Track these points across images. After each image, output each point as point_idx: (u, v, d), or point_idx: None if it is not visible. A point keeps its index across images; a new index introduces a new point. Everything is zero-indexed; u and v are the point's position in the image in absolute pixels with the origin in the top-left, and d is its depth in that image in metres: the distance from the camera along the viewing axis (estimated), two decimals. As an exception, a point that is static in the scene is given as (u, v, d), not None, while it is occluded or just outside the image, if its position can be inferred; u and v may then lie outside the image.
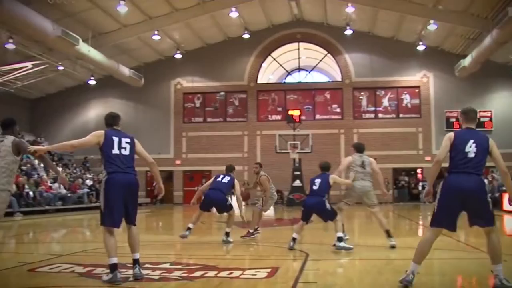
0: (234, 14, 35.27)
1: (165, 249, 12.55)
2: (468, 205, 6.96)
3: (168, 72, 42.52)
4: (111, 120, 8.63)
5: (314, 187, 11.36)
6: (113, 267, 7.43)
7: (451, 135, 7.27)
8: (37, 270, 8.38)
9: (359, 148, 12.16)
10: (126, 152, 8.24)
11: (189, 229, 12.70)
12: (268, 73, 43.83)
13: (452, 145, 7.15)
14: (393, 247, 11.02)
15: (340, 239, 10.82)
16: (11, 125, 8.14)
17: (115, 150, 8.17)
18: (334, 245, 10.93)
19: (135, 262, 7.81)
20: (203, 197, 13.37)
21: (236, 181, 13.32)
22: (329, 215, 11.28)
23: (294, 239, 11.08)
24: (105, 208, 7.82)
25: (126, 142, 8.27)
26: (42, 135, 41.39)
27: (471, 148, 7.05)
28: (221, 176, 13.28)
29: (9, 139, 7.88)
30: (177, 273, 8.28)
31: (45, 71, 33.84)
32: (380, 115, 40.62)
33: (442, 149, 7.23)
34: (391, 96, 40.90)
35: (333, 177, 11.51)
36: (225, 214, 13.34)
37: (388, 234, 11.35)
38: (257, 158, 40.37)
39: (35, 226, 20.59)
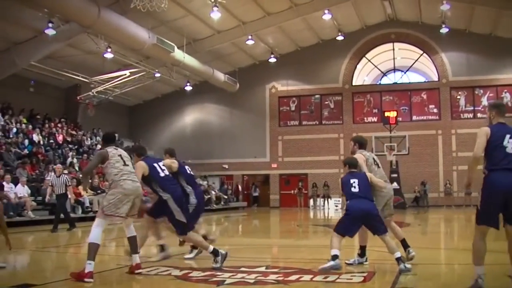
0: (327, 16, 35.00)
1: (261, 252, 12.53)
2: (509, 204, 6.55)
3: (263, 76, 42.68)
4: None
5: (354, 189, 8.88)
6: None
7: (487, 129, 6.83)
8: (135, 272, 8.51)
9: (363, 143, 9.97)
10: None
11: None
12: (363, 75, 43.38)
13: (488, 141, 6.75)
14: (411, 258, 9.06)
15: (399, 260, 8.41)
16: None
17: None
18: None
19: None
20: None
21: None
22: (381, 226, 8.71)
23: (335, 257, 8.24)
24: None
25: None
26: (141, 140, 42.24)
27: (508, 143, 6.69)
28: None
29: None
30: (273, 276, 8.21)
31: (143, 79, 34.54)
32: (479, 115, 39.35)
33: (480, 144, 6.78)
34: (490, 95, 39.61)
35: (369, 175, 9.18)
36: None
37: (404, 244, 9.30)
38: (353, 161, 39.99)
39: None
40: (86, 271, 7.83)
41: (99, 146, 31.24)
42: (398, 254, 8.41)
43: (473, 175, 6.93)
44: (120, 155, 8.69)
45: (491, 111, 7.06)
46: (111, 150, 8.71)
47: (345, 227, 8.62)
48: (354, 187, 8.83)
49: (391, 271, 8.72)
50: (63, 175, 18.49)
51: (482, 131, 6.83)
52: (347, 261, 9.06)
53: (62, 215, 18.44)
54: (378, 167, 9.65)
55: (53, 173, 20.21)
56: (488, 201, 6.62)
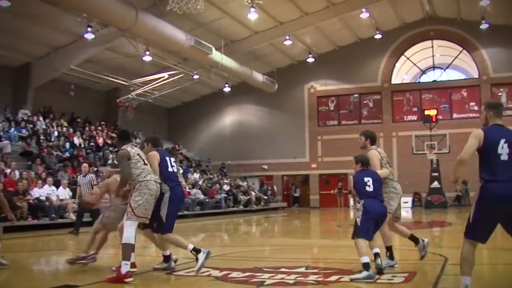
0: (364, 15, 34.76)
1: (301, 252, 12.49)
2: (509, 217, 6.04)
3: (301, 76, 42.60)
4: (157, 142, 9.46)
5: (368, 188, 8.56)
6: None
7: (480, 133, 6.20)
8: (175, 274, 8.54)
9: (375, 139, 9.69)
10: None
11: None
12: (402, 73, 43.00)
13: (482, 145, 6.14)
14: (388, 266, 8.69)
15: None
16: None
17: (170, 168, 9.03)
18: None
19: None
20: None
21: None
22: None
23: (367, 265, 7.91)
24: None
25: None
26: (180, 142, 42.53)
27: (503, 149, 6.08)
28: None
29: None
30: (313, 277, 8.20)
31: (181, 81, 34.67)
32: (521, 112, 38.80)
33: (468, 147, 6.16)
34: (532, 91, 39.04)
35: (380, 172, 8.92)
36: None
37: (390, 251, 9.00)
38: (393, 160, 39.77)
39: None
40: (124, 271, 7.88)
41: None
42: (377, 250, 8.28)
43: (460, 174, 6.45)
44: (138, 154, 8.64)
45: (488, 111, 6.43)
46: (130, 149, 8.65)
47: (367, 230, 8.27)
48: (369, 185, 8.53)
49: (432, 271, 8.62)
50: (89, 174, 18.34)
51: (475, 134, 6.25)
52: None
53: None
54: (390, 166, 9.41)
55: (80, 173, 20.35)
56: (482, 214, 6.12)
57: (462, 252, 6.24)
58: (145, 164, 8.57)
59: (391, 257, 8.90)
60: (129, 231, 8.20)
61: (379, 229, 8.58)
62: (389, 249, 8.90)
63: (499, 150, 6.08)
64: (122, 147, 8.73)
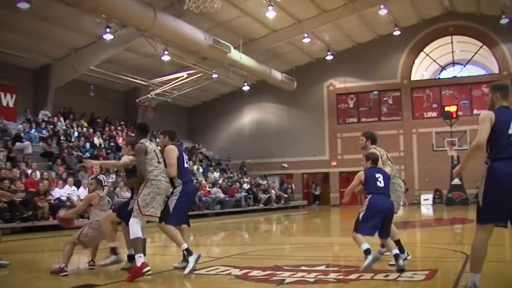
0: (383, 12, 34.59)
1: (321, 251, 12.46)
2: None
3: (320, 74, 42.50)
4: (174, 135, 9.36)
5: (379, 184, 8.61)
6: None
7: (491, 114, 6.10)
8: (196, 272, 8.53)
9: (375, 139, 9.64)
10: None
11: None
12: (422, 70, 42.74)
13: (492, 127, 6.01)
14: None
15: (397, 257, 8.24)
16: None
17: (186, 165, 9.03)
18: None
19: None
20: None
21: None
22: (389, 229, 8.72)
23: (368, 251, 8.08)
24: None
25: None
26: (200, 141, 42.61)
27: None
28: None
29: None
30: (333, 275, 8.17)
31: (200, 80, 34.70)
32: (543, 107, 38.33)
33: (483, 131, 6.01)
34: (555, 86, 38.57)
35: (389, 171, 9.08)
36: None
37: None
38: (414, 157, 39.72)
39: (194, 229, 21.10)
40: (139, 264, 7.89)
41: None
42: (396, 251, 8.25)
43: (468, 165, 6.23)
44: (155, 151, 8.57)
45: (494, 93, 6.38)
46: (148, 144, 8.57)
47: (368, 226, 8.28)
48: (380, 181, 8.57)
49: (453, 268, 8.56)
50: (101, 175, 18.34)
51: (486, 115, 6.12)
52: (390, 263, 8.61)
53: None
54: (392, 162, 9.56)
55: (91, 174, 20.42)
56: (493, 194, 5.93)
57: (474, 243, 6.02)
58: (158, 162, 8.51)
59: (401, 250, 8.81)
60: (135, 226, 8.19)
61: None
62: (397, 243, 8.80)
63: (510, 131, 6.01)
64: (141, 141, 8.63)
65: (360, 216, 8.40)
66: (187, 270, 8.26)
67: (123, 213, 8.75)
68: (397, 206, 8.92)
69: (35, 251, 11.14)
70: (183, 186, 8.72)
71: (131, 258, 8.74)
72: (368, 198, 8.50)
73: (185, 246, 8.44)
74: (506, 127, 6.03)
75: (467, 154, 6.25)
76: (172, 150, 8.83)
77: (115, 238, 8.88)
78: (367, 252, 7.96)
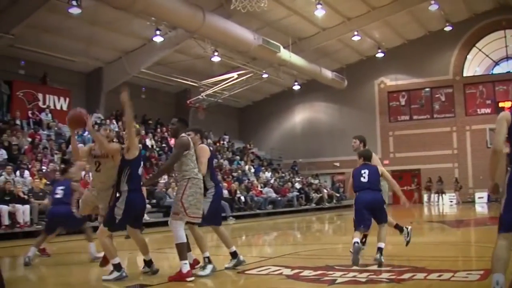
0: (433, 7, 34.06)
1: (374, 250, 12.30)
2: None
3: (371, 71, 42.17)
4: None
5: (363, 179, 9.16)
6: None
7: (507, 115, 5.61)
8: (247, 272, 8.53)
9: (365, 142, 10.42)
10: None
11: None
12: (474, 65, 42.00)
13: (509, 129, 5.57)
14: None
15: (381, 251, 8.86)
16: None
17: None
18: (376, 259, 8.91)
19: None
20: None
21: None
22: (385, 216, 9.26)
23: (380, 249, 8.92)
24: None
25: None
26: (251, 141, 42.69)
27: None
28: None
29: None
30: (385, 275, 8.09)
31: (250, 80, 34.78)
32: None
33: (500, 134, 5.59)
34: None
35: (381, 169, 9.47)
36: None
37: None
38: (467, 154, 39.13)
39: (247, 229, 21.20)
40: (185, 271, 7.88)
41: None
42: (381, 245, 8.89)
43: (496, 174, 5.75)
44: (193, 147, 8.34)
45: None
46: (189, 139, 8.33)
47: (360, 220, 8.98)
48: (364, 177, 9.16)
49: (509, 268, 8.35)
50: None
51: (502, 117, 5.65)
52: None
53: None
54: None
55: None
56: None
57: (494, 251, 5.63)
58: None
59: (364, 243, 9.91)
60: (180, 230, 8.01)
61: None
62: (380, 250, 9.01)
63: None
64: (183, 135, 8.38)
65: (354, 216, 9.16)
66: (201, 273, 8.35)
67: (115, 223, 8.14)
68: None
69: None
70: (216, 189, 8.76)
71: (149, 263, 8.60)
72: (355, 196, 9.26)
73: (207, 254, 8.52)
74: None
75: (490, 163, 5.80)
76: (206, 150, 8.74)
77: (116, 253, 8.26)
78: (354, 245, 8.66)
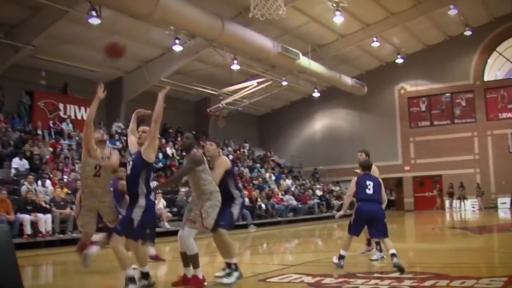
0: (452, 12, 33.94)
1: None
2: None
3: (391, 77, 42.04)
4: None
5: (368, 191, 9.66)
6: None
7: None
8: (268, 280, 8.52)
9: (368, 155, 11.26)
10: None
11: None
12: (495, 70, 41.68)
13: None
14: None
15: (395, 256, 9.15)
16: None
17: None
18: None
19: None
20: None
21: None
22: (385, 230, 9.69)
23: (342, 257, 9.70)
24: None
25: None
26: (271, 149, 42.69)
27: None
28: None
29: None
30: (407, 282, 8.03)
31: (270, 88, 34.75)
32: None
33: None
34: None
35: (381, 183, 10.06)
36: None
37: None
38: (489, 160, 38.84)
39: (268, 237, 21.18)
40: (201, 276, 7.96)
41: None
42: (393, 251, 9.21)
43: None
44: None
45: None
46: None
47: (356, 229, 9.86)
48: (369, 189, 9.66)
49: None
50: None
51: None
52: (371, 258, 10.57)
53: None
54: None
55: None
56: None
57: None
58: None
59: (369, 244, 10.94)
60: (192, 240, 7.99)
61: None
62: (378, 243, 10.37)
63: None
64: (196, 151, 8.39)
65: (351, 220, 9.95)
66: (221, 279, 8.39)
67: (133, 230, 7.79)
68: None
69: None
70: (243, 199, 8.85)
71: (146, 275, 8.12)
72: (357, 205, 9.81)
73: (235, 260, 8.53)
74: None
75: None
76: (226, 162, 8.82)
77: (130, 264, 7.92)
78: (340, 257, 9.70)
